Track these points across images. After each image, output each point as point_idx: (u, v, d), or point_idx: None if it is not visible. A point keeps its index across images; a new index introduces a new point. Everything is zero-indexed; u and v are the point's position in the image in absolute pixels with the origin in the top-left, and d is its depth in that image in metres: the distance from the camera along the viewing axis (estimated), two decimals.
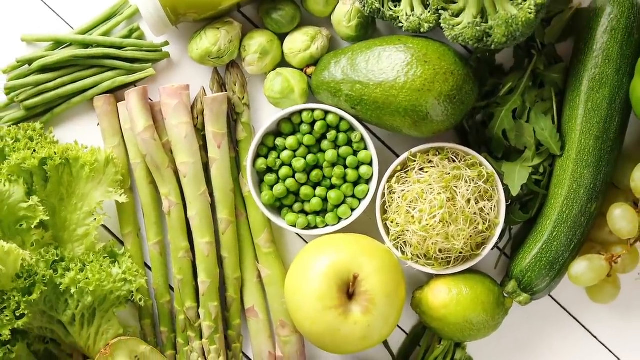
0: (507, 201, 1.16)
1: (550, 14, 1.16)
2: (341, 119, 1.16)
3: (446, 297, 1.14)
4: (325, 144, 1.17)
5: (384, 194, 1.16)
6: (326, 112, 1.16)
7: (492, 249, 1.17)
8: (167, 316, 1.21)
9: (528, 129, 1.15)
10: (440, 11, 1.09)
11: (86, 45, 1.20)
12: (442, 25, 1.09)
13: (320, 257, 1.12)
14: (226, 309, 1.21)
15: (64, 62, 1.20)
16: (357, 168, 1.17)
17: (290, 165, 1.17)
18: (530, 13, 1.05)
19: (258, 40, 1.18)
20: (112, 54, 1.20)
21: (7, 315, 1.09)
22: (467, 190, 1.13)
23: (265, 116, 1.22)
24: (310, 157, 1.17)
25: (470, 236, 1.13)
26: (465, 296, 1.14)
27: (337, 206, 1.17)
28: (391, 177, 1.16)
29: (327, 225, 1.18)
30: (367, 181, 1.18)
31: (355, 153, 1.17)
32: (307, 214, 1.18)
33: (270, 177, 1.17)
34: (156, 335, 1.22)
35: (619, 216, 1.12)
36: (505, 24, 1.06)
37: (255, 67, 1.18)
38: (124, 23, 1.22)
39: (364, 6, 1.14)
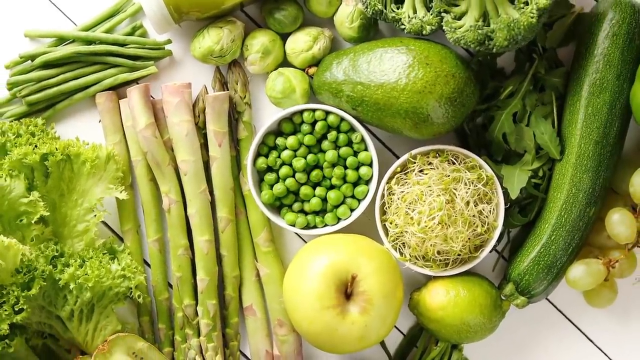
0: (506, 204, 1.16)
1: (552, 18, 1.17)
2: (342, 119, 1.17)
3: (444, 299, 1.14)
4: (325, 144, 1.17)
5: (383, 195, 1.16)
6: (327, 113, 1.17)
7: (491, 251, 1.18)
8: (166, 313, 1.21)
9: (528, 133, 1.16)
10: (443, 14, 1.10)
11: (89, 42, 1.21)
12: (444, 27, 1.10)
13: (318, 256, 1.12)
14: (224, 307, 1.21)
15: (66, 59, 1.20)
16: (357, 169, 1.18)
17: (290, 165, 1.17)
18: (532, 17, 1.05)
19: (260, 40, 1.18)
20: (114, 51, 1.20)
21: (5, 310, 1.09)
22: (467, 192, 1.13)
23: (266, 115, 1.22)
24: (310, 157, 1.17)
25: (469, 238, 1.13)
26: (463, 298, 1.14)
27: (337, 206, 1.18)
28: (391, 178, 1.16)
29: (326, 225, 1.18)
30: (367, 182, 1.18)
31: (355, 154, 1.18)
32: (306, 213, 1.18)
33: (270, 177, 1.18)
34: (154, 332, 1.22)
35: (617, 221, 1.13)
36: (507, 28, 1.06)
37: (257, 67, 1.19)
38: (127, 20, 1.22)
39: (367, 8, 1.14)
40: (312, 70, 1.19)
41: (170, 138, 1.19)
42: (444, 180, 1.13)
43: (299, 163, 1.16)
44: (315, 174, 1.17)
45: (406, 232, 1.14)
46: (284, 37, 1.20)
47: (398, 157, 1.22)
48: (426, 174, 1.14)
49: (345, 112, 1.16)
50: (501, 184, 1.15)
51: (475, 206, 1.13)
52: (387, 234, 1.16)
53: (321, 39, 1.18)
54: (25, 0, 1.22)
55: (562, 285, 1.19)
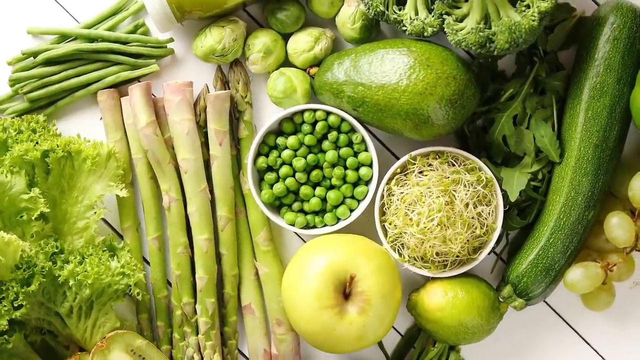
0: (505, 206, 1.16)
1: (554, 21, 1.17)
2: (342, 120, 1.17)
3: (442, 300, 1.15)
4: (326, 144, 1.18)
5: (382, 196, 1.17)
6: (328, 113, 1.17)
7: (489, 253, 1.18)
8: (164, 311, 1.21)
9: (528, 136, 1.16)
10: (444, 16, 1.10)
11: (91, 39, 1.21)
12: (445, 29, 1.10)
13: (317, 256, 1.12)
14: (223, 306, 1.21)
15: (68, 56, 1.20)
16: (357, 169, 1.18)
17: (290, 165, 1.18)
18: (533, 20, 1.05)
19: (262, 40, 1.18)
20: (116, 49, 1.20)
21: (5, 306, 1.09)
22: (466, 194, 1.13)
23: (267, 115, 1.23)
24: (310, 157, 1.17)
25: (468, 240, 1.14)
26: (461, 300, 1.14)
27: (336, 206, 1.18)
28: (390, 179, 1.17)
29: (325, 225, 1.19)
30: (367, 182, 1.18)
31: (355, 154, 1.18)
32: (306, 213, 1.19)
33: (270, 176, 1.18)
34: (152, 330, 1.22)
35: (616, 224, 1.13)
36: (509, 31, 1.06)
37: (259, 66, 1.19)
38: (130, 18, 1.23)
39: (369, 9, 1.14)
40: (313, 70, 1.19)
41: (171, 136, 1.19)
42: (444, 182, 1.13)
43: (299, 163, 1.17)
44: (315, 174, 1.17)
45: (405, 233, 1.14)
46: (286, 37, 1.20)
47: (398, 158, 1.22)
48: (426, 175, 1.14)
49: (346, 112, 1.16)
50: (500, 186, 1.15)
51: (474, 208, 1.14)
52: (386, 235, 1.17)
53: (323, 40, 1.18)
54: None
55: (560, 288, 1.20)
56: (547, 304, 1.23)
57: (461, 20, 1.09)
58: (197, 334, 1.20)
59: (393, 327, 1.23)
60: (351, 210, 1.18)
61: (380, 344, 1.22)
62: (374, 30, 1.19)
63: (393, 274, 1.13)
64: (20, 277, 1.10)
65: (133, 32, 1.22)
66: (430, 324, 1.16)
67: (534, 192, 1.17)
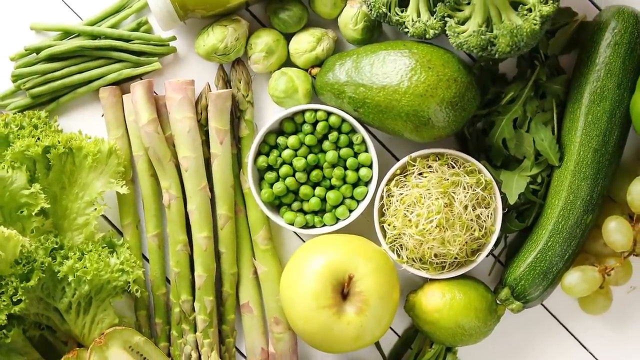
0: (504, 209, 1.16)
1: (555, 25, 1.17)
2: (343, 120, 1.17)
3: (439, 302, 1.15)
4: (326, 144, 1.18)
5: (382, 197, 1.17)
6: (329, 113, 1.17)
7: (487, 255, 1.18)
8: (163, 308, 1.21)
9: (528, 139, 1.16)
10: (446, 18, 1.10)
11: (94, 36, 1.21)
12: (447, 32, 1.10)
13: (316, 256, 1.12)
14: (221, 304, 1.22)
15: (71, 52, 1.20)
16: (357, 170, 1.18)
17: (290, 164, 1.18)
18: (535, 24, 1.06)
19: (264, 39, 1.18)
20: (119, 46, 1.21)
21: (4, 301, 1.09)
22: (465, 196, 1.13)
23: (268, 114, 1.23)
24: (311, 157, 1.17)
25: (466, 242, 1.14)
26: (459, 301, 1.14)
27: (336, 207, 1.18)
28: (390, 180, 1.17)
29: (324, 225, 1.19)
30: (367, 183, 1.19)
31: (355, 155, 1.18)
32: (305, 213, 1.19)
33: (270, 175, 1.18)
34: (151, 327, 1.22)
35: (614, 229, 1.13)
36: (510, 34, 1.06)
37: (261, 66, 1.19)
38: (133, 16, 1.23)
39: (371, 10, 1.14)
40: (315, 70, 1.19)
41: (172, 134, 1.19)
42: (443, 184, 1.13)
43: (299, 162, 1.17)
44: (315, 174, 1.18)
45: (404, 234, 1.14)
46: (288, 37, 1.20)
47: (398, 160, 1.22)
48: (425, 177, 1.15)
49: (346, 113, 1.16)
50: (500, 189, 1.16)
51: (473, 210, 1.14)
52: (385, 236, 1.17)
53: (325, 40, 1.19)
54: None
55: (558, 291, 1.20)
56: (545, 307, 1.24)
57: (463, 23, 1.10)
58: (195, 331, 1.20)
59: (390, 327, 1.23)
60: (350, 211, 1.18)
61: (377, 345, 1.23)
62: (376, 32, 1.19)
63: (391, 275, 1.13)
64: (19, 272, 1.10)
65: (136, 29, 1.22)
66: (428, 325, 1.16)
67: (533, 196, 1.17)
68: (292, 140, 1.17)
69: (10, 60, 1.22)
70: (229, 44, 1.18)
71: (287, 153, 1.17)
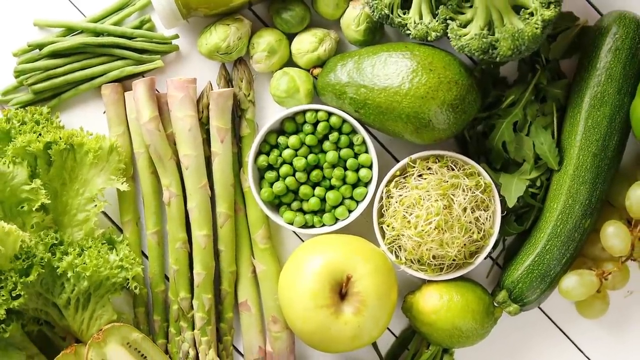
0: (502, 212, 1.17)
1: (556, 30, 1.17)
2: (344, 121, 1.17)
3: (437, 303, 1.15)
4: (326, 144, 1.18)
5: (381, 198, 1.17)
6: (330, 114, 1.17)
7: (485, 258, 1.18)
8: (161, 305, 1.22)
9: (527, 142, 1.16)
10: (448, 21, 1.10)
11: (97, 33, 1.21)
12: (449, 34, 1.10)
13: (315, 256, 1.12)
14: (219, 302, 1.22)
15: (74, 49, 1.21)
16: (356, 170, 1.18)
17: (291, 164, 1.18)
18: (536, 28, 1.06)
19: (267, 39, 1.19)
20: (122, 43, 1.21)
21: (3, 295, 1.09)
22: (464, 199, 1.14)
23: (269, 114, 1.23)
24: (311, 157, 1.18)
25: (465, 244, 1.14)
26: (456, 303, 1.15)
27: (335, 207, 1.18)
28: (390, 181, 1.17)
29: (324, 225, 1.19)
30: (366, 184, 1.19)
31: (355, 156, 1.18)
32: (305, 212, 1.19)
33: (270, 175, 1.18)
34: (149, 324, 1.22)
35: (612, 233, 1.13)
36: (512, 38, 1.06)
37: (263, 65, 1.19)
38: (136, 14, 1.23)
39: (373, 11, 1.14)
40: (316, 71, 1.19)
41: (173, 132, 1.19)
42: (443, 186, 1.13)
43: (299, 162, 1.17)
44: (315, 174, 1.18)
45: (403, 235, 1.15)
46: (290, 37, 1.21)
47: (398, 161, 1.23)
48: (425, 178, 1.15)
49: (347, 113, 1.16)
50: (499, 192, 1.16)
51: (472, 213, 1.14)
52: (383, 237, 1.17)
53: (327, 41, 1.19)
54: None
55: (555, 294, 1.20)
56: (542, 310, 1.24)
57: (465, 26, 1.10)
58: (193, 329, 1.20)
59: (388, 328, 1.24)
60: (350, 211, 1.18)
61: (374, 345, 1.23)
62: (378, 33, 1.19)
63: (389, 276, 1.13)
64: (19, 267, 1.10)
65: (139, 27, 1.22)
66: (425, 327, 1.16)
67: (532, 199, 1.17)
68: (293, 140, 1.17)
69: (13, 56, 1.22)
70: (232, 43, 1.18)
71: (287, 153, 1.18)
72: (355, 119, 1.16)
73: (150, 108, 1.18)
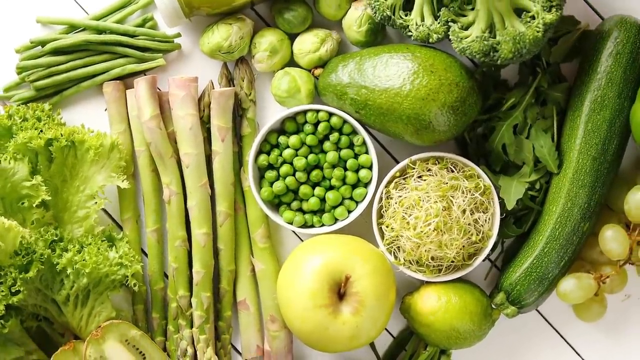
0: (501, 214, 1.17)
1: (558, 33, 1.17)
2: (345, 121, 1.18)
3: (435, 304, 1.15)
4: (327, 145, 1.18)
5: (381, 199, 1.17)
6: (330, 114, 1.17)
7: (484, 260, 1.18)
8: (160, 303, 1.22)
9: (527, 145, 1.16)
10: (450, 23, 1.11)
11: (100, 31, 1.21)
12: (450, 37, 1.11)
13: (314, 255, 1.13)
14: (218, 300, 1.22)
15: (76, 46, 1.21)
16: (356, 171, 1.19)
17: (291, 164, 1.18)
18: (538, 31, 1.06)
19: (269, 39, 1.19)
20: (124, 41, 1.21)
21: (2, 291, 1.09)
22: (463, 200, 1.14)
23: (270, 114, 1.23)
24: (311, 157, 1.18)
25: (463, 246, 1.14)
26: (454, 305, 1.15)
27: (335, 207, 1.19)
28: (389, 182, 1.17)
29: (323, 225, 1.19)
30: (366, 185, 1.19)
31: (356, 156, 1.18)
32: (304, 212, 1.19)
33: (270, 174, 1.19)
34: (147, 321, 1.22)
35: (611, 237, 1.13)
36: (513, 41, 1.07)
37: (264, 65, 1.20)
38: (139, 12, 1.23)
39: (375, 13, 1.15)
40: (318, 71, 1.19)
41: (174, 130, 1.20)
42: (442, 188, 1.14)
43: (299, 162, 1.17)
44: (315, 174, 1.18)
45: (402, 236, 1.15)
46: (292, 37, 1.21)
47: (398, 162, 1.23)
48: (425, 180, 1.15)
49: (348, 114, 1.17)
50: (498, 194, 1.16)
51: (471, 215, 1.14)
52: (382, 237, 1.17)
53: (328, 41, 1.19)
54: None
55: (553, 297, 1.20)
56: (539, 313, 1.24)
57: (466, 28, 1.10)
58: (192, 327, 1.20)
59: (386, 329, 1.24)
60: (349, 212, 1.19)
61: (372, 345, 1.23)
62: (379, 34, 1.19)
63: (388, 277, 1.13)
64: (18, 263, 1.10)
65: (141, 25, 1.22)
66: (423, 328, 1.16)
67: (531, 202, 1.17)
68: (294, 139, 1.18)
69: (16, 52, 1.22)
70: (234, 42, 1.18)
71: (288, 152, 1.18)
72: (356, 119, 1.16)
73: (152, 106, 1.18)
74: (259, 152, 1.19)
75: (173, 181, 1.19)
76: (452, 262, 1.16)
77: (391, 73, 1.12)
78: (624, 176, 1.20)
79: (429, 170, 1.16)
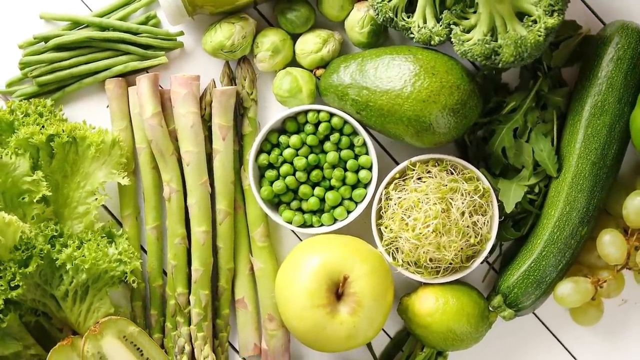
0: (500, 217, 1.17)
1: (559, 38, 1.18)
2: (345, 122, 1.18)
3: (432, 306, 1.15)
4: (327, 145, 1.19)
5: (380, 200, 1.17)
6: (331, 115, 1.18)
7: (482, 262, 1.19)
8: (158, 300, 1.22)
9: (527, 149, 1.17)
10: (452, 26, 1.11)
11: (103, 28, 1.22)
12: (452, 39, 1.11)
13: (312, 255, 1.13)
14: (216, 298, 1.22)
15: (79, 43, 1.21)
16: (356, 172, 1.19)
17: (291, 163, 1.19)
18: (539, 36, 1.06)
19: (271, 38, 1.19)
20: (127, 38, 1.21)
21: (1, 285, 1.10)
22: (463, 203, 1.14)
23: (271, 113, 1.24)
24: (311, 157, 1.18)
25: (462, 248, 1.14)
26: (451, 306, 1.15)
27: (334, 207, 1.19)
28: (389, 183, 1.18)
29: (322, 225, 1.19)
30: (366, 185, 1.19)
31: (356, 157, 1.19)
32: (304, 212, 1.20)
33: (271, 173, 1.19)
34: (146, 318, 1.23)
35: (608, 242, 1.14)
36: (514, 44, 1.07)
37: (266, 64, 1.20)
38: (142, 10, 1.23)
39: (378, 14, 1.15)
40: (319, 71, 1.20)
41: (175, 128, 1.20)
42: (441, 190, 1.14)
43: (300, 162, 1.18)
44: (315, 173, 1.18)
45: (400, 237, 1.15)
46: (295, 37, 1.21)
47: (398, 163, 1.23)
48: (424, 182, 1.15)
49: (349, 115, 1.17)
50: (497, 197, 1.16)
51: (470, 217, 1.14)
52: (381, 238, 1.17)
53: (331, 42, 1.19)
54: None
55: (550, 300, 1.21)
56: (536, 316, 1.24)
57: (468, 31, 1.10)
58: (190, 324, 1.21)
59: (383, 329, 1.24)
60: (349, 212, 1.19)
61: (369, 346, 1.23)
62: (381, 36, 1.19)
63: (386, 277, 1.13)
64: (18, 258, 1.10)
65: (144, 23, 1.23)
66: (420, 329, 1.17)
67: (530, 205, 1.18)
68: (294, 139, 1.18)
69: (19, 47, 1.23)
70: (236, 41, 1.18)
71: (288, 152, 1.18)
72: (357, 120, 1.17)
73: (153, 104, 1.18)
74: (260, 151, 1.19)
75: (173, 179, 1.19)
76: (450, 264, 1.16)
77: (392, 75, 1.12)
78: (622, 181, 1.20)
79: (429, 172, 1.16)
